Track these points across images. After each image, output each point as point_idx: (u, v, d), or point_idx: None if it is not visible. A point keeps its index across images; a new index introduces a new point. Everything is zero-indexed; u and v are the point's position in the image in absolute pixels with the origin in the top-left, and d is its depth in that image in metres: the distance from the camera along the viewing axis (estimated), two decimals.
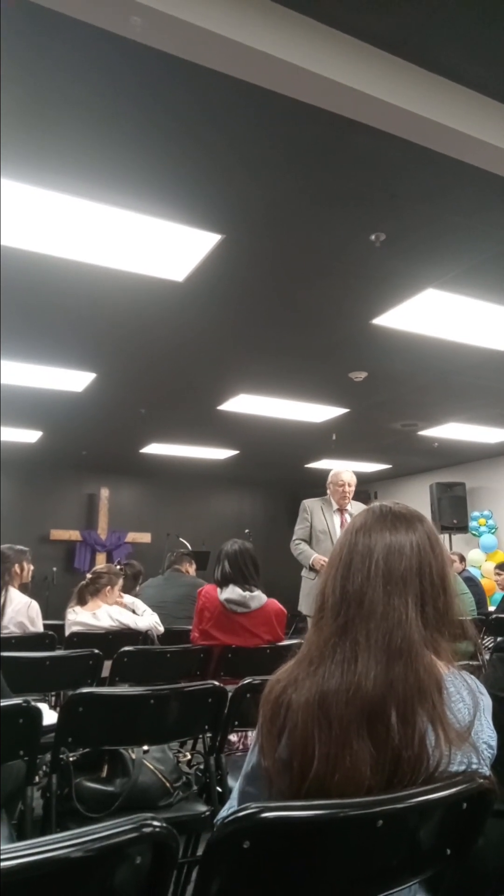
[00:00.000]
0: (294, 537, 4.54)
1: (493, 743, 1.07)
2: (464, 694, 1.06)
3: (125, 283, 3.70)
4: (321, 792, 0.94)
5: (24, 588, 4.00)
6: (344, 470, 4.63)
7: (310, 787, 0.96)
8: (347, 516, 4.51)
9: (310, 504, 4.55)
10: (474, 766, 1.02)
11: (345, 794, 0.93)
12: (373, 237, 3.25)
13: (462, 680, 1.08)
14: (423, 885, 1.24)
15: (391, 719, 0.98)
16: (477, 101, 2.35)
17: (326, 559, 4.31)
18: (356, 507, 4.56)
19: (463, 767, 1.01)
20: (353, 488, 4.55)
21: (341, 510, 4.52)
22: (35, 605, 3.96)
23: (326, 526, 4.41)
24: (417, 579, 1.07)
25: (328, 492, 4.62)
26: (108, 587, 3.77)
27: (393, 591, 1.05)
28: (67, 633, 3.60)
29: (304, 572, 4.47)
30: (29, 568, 4.36)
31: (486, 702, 1.09)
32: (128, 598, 3.94)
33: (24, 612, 3.82)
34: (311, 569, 4.33)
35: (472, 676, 1.11)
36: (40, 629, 3.91)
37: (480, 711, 1.06)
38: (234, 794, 1.13)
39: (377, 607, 1.04)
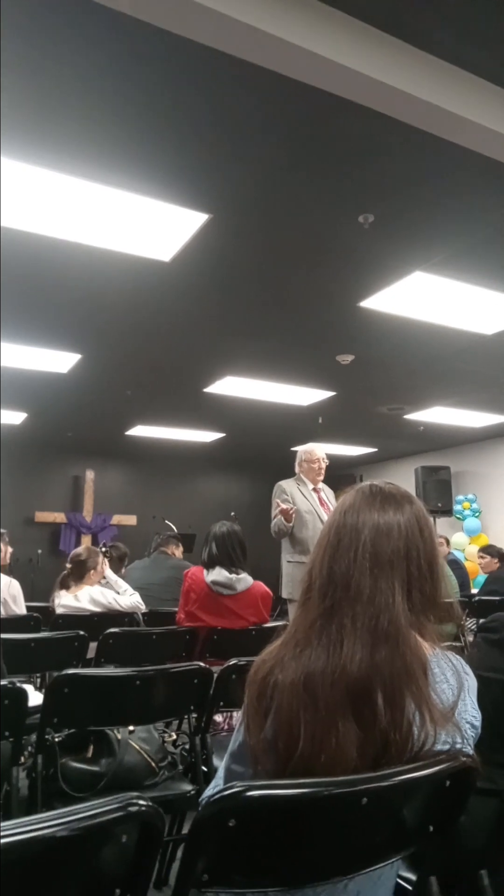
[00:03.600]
0: (274, 521, 4.35)
1: (477, 723, 1.08)
2: (448, 675, 1.07)
3: (111, 262, 3.66)
4: (307, 772, 0.95)
5: (3, 571, 4.00)
6: (316, 446, 4.61)
7: (295, 767, 0.96)
8: (323, 495, 4.49)
9: (287, 485, 4.42)
10: (458, 746, 1.03)
11: (331, 775, 0.94)
12: (361, 219, 3.23)
13: (447, 660, 1.08)
14: (405, 862, 1.26)
15: (377, 702, 0.98)
16: (469, 82, 2.32)
17: (289, 506, 4.18)
18: (326, 488, 4.55)
19: (447, 747, 1.02)
20: (325, 465, 4.53)
21: (316, 489, 4.48)
22: (16, 584, 3.96)
23: (310, 505, 4.37)
24: (405, 562, 1.06)
25: (299, 471, 4.54)
26: (92, 570, 3.76)
27: (380, 574, 1.04)
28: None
29: (285, 556, 4.39)
30: (7, 550, 4.35)
31: (471, 682, 1.10)
32: (111, 577, 3.93)
33: (5, 590, 3.82)
34: (282, 511, 4.18)
35: (458, 657, 1.12)
36: (23, 608, 3.92)
37: (465, 692, 1.07)
38: (220, 773, 1.13)
39: (364, 591, 1.03)
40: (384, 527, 1.08)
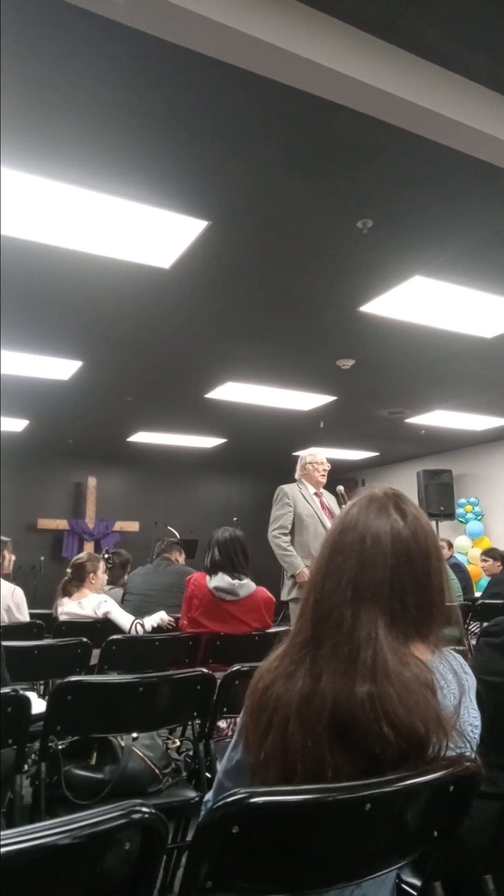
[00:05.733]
0: (276, 525, 4.32)
1: (477, 723, 1.07)
2: (449, 678, 1.06)
3: (111, 269, 3.67)
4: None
5: (6, 578, 4.00)
6: (318, 450, 4.62)
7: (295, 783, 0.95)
8: (324, 499, 4.49)
9: (290, 489, 4.41)
10: (462, 751, 1.03)
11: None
12: (360, 224, 3.24)
13: (446, 663, 1.07)
14: (410, 867, 1.26)
15: (368, 732, 0.95)
16: (464, 87, 2.34)
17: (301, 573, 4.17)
18: (327, 492, 4.55)
19: (452, 754, 1.02)
20: (327, 469, 4.54)
21: (318, 493, 4.49)
22: (19, 591, 3.95)
23: (312, 509, 4.37)
24: (392, 592, 1.02)
25: (301, 475, 4.53)
26: (92, 574, 3.76)
27: (360, 606, 1.01)
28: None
29: (287, 551, 4.34)
30: (11, 558, 4.35)
31: (471, 682, 1.09)
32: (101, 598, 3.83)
33: (8, 598, 3.81)
34: (295, 583, 4.14)
35: (458, 657, 1.10)
36: (26, 616, 3.91)
37: (465, 693, 1.07)
38: (214, 787, 1.13)
39: (343, 622, 1.01)
40: (370, 552, 1.04)
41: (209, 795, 1.29)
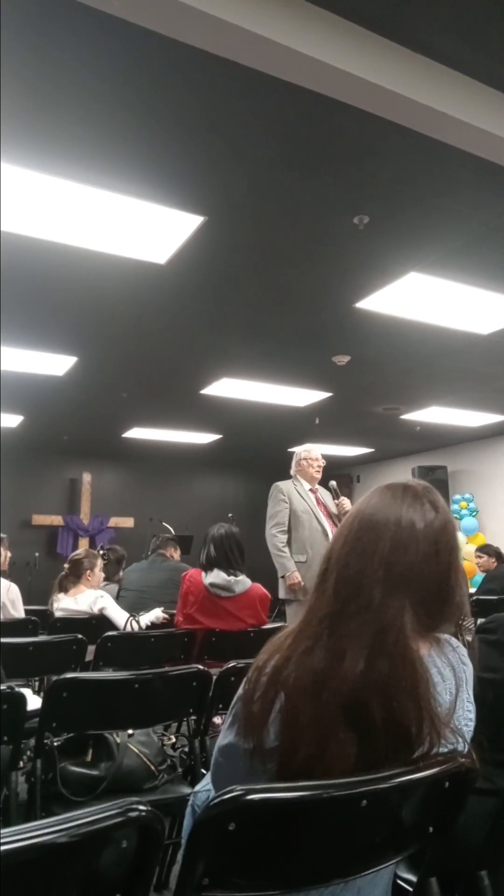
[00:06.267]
0: (273, 522, 4.34)
1: (472, 716, 1.08)
2: (445, 672, 1.05)
3: (106, 265, 3.66)
4: (306, 774, 0.94)
5: (1, 574, 3.99)
6: (313, 447, 4.63)
7: (297, 768, 0.95)
8: (320, 495, 4.50)
9: (285, 486, 4.43)
10: (458, 747, 1.03)
11: (329, 779, 0.93)
12: (356, 220, 3.24)
13: (444, 657, 1.07)
14: (405, 863, 1.26)
15: (374, 715, 0.96)
16: (461, 83, 2.33)
17: (302, 581, 4.23)
18: (322, 488, 4.56)
19: (446, 750, 1.02)
20: (322, 465, 4.55)
21: (313, 489, 4.49)
22: (14, 588, 3.95)
23: (307, 505, 4.37)
24: (418, 581, 1.02)
25: (296, 471, 4.55)
26: (89, 570, 3.76)
27: (392, 589, 1.00)
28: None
29: (284, 552, 4.35)
30: (6, 554, 4.35)
31: (468, 673, 1.09)
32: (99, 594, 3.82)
33: (3, 594, 3.81)
34: (290, 588, 4.18)
35: (458, 646, 1.10)
36: (21, 612, 3.90)
37: (462, 687, 1.07)
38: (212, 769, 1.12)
39: (373, 602, 1.00)
40: (404, 536, 1.03)
41: (199, 786, 1.29)
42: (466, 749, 1.05)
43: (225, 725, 1.09)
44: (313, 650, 1.00)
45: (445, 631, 1.10)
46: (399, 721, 0.97)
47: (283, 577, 4.24)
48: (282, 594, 4.31)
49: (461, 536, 8.82)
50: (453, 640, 1.10)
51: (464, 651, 1.11)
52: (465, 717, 1.06)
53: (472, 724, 1.07)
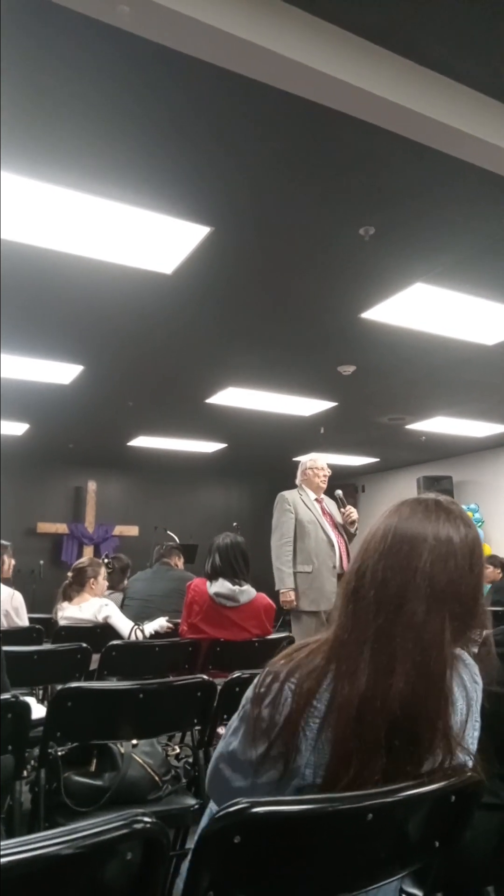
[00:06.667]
0: (280, 531, 4.32)
1: (478, 734, 1.07)
2: (457, 693, 1.04)
3: (113, 275, 3.68)
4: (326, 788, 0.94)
5: (5, 582, 3.99)
6: (319, 456, 4.62)
7: (340, 790, 0.94)
8: (325, 504, 4.48)
9: (290, 495, 4.41)
10: (467, 763, 1.03)
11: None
12: (362, 231, 3.25)
13: (457, 676, 1.05)
14: (411, 877, 1.25)
15: (407, 735, 0.96)
16: (466, 95, 2.34)
17: (293, 598, 4.22)
18: (327, 498, 4.54)
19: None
20: (328, 475, 4.54)
21: (318, 499, 4.48)
22: (18, 596, 3.95)
23: (312, 515, 4.36)
24: (455, 597, 1.01)
25: (301, 480, 4.53)
26: (92, 579, 3.75)
27: (433, 605, 0.99)
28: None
29: (286, 567, 4.32)
30: (10, 562, 4.35)
31: (478, 693, 1.09)
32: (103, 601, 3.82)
33: (7, 602, 3.81)
34: (284, 604, 4.16)
35: (470, 664, 1.09)
36: (25, 620, 3.90)
37: (472, 707, 1.06)
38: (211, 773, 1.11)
39: (418, 619, 0.98)
40: (443, 551, 1.01)
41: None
42: (471, 766, 1.04)
43: (234, 732, 1.07)
44: (356, 671, 0.97)
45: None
46: (423, 738, 0.97)
47: (278, 590, 4.22)
48: (283, 606, 4.30)
49: None
50: (466, 657, 1.08)
51: (476, 669, 1.10)
52: (472, 736, 1.06)
53: (475, 745, 1.06)
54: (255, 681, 1.05)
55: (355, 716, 0.95)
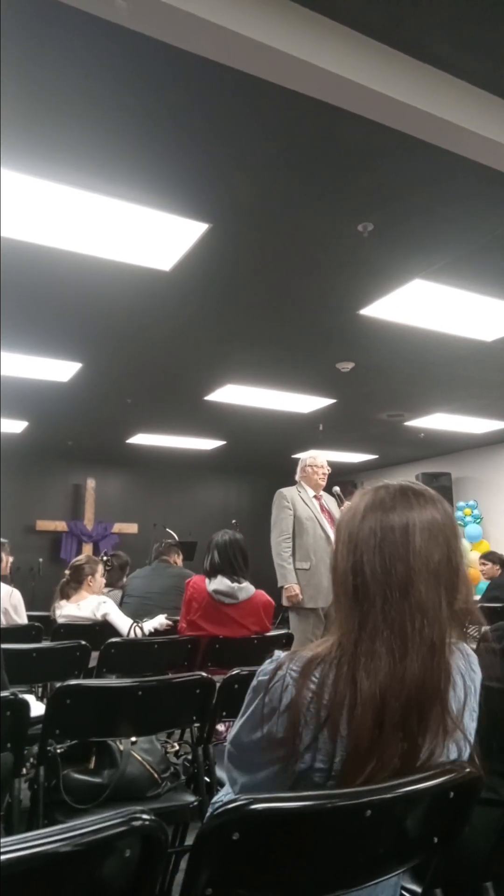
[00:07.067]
0: (278, 530, 4.33)
1: (474, 720, 1.09)
2: (457, 679, 1.06)
3: (112, 272, 3.67)
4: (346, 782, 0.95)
5: (4, 580, 3.99)
6: (319, 453, 4.62)
7: (363, 781, 0.95)
8: (324, 501, 4.49)
9: (288, 492, 4.42)
10: (464, 754, 1.04)
11: (369, 783, 0.94)
12: (360, 227, 3.24)
13: (455, 662, 1.07)
14: (410, 873, 1.26)
15: (417, 714, 0.98)
16: (466, 91, 2.34)
17: (298, 593, 4.25)
18: (326, 495, 4.55)
19: (454, 755, 1.03)
20: (327, 472, 4.54)
21: (317, 496, 4.48)
22: (17, 593, 3.95)
23: (311, 512, 4.37)
24: (448, 571, 1.05)
25: (300, 477, 4.54)
26: (90, 576, 3.75)
27: (432, 582, 1.03)
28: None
29: (287, 564, 4.34)
30: (8, 559, 4.35)
31: (476, 681, 1.10)
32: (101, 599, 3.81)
33: (6, 600, 3.81)
34: (288, 599, 4.20)
35: (469, 653, 1.11)
36: (24, 618, 3.90)
37: (469, 695, 1.07)
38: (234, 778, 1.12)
39: (421, 599, 1.01)
40: (432, 528, 1.05)
41: (218, 796, 1.28)
42: (468, 754, 1.06)
43: (244, 729, 1.08)
44: (375, 664, 0.99)
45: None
46: (431, 713, 0.99)
47: (281, 586, 4.23)
48: (286, 601, 4.31)
49: (465, 543, 8.80)
50: (465, 647, 1.11)
51: (475, 659, 1.12)
52: (470, 723, 1.07)
53: (473, 735, 1.07)
54: (259, 670, 1.07)
55: (379, 706, 0.97)
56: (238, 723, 1.08)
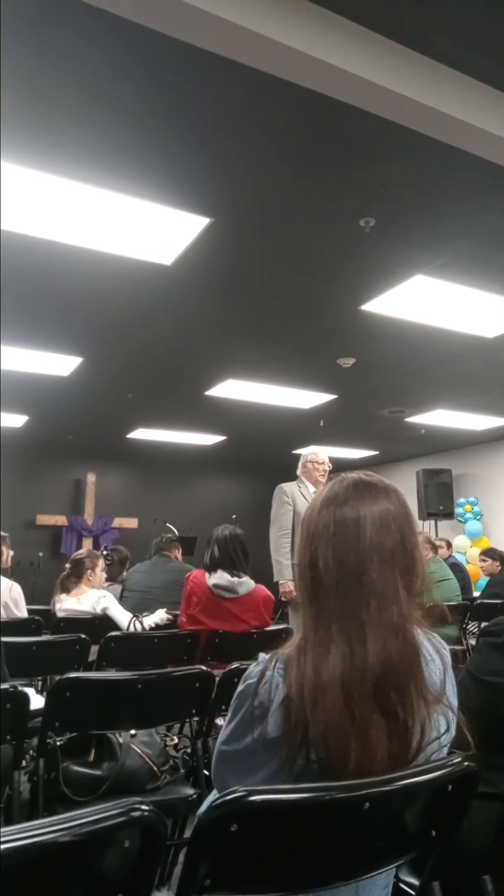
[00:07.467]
0: (279, 523, 4.34)
1: (455, 696, 1.10)
2: (434, 655, 1.09)
3: (112, 266, 3.66)
4: (339, 773, 0.95)
5: (4, 574, 4.00)
6: (321, 449, 4.62)
7: (347, 777, 0.95)
8: None
9: (289, 488, 4.44)
10: (450, 726, 1.06)
11: (363, 768, 0.95)
12: (362, 223, 3.24)
13: (429, 640, 1.11)
14: (408, 866, 1.26)
15: (393, 693, 0.99)
16: (469, 86, 2.33)
17: (293, 589, 4.24)
18: None
19: (444, 728, 1.05)
20: (329, 469, 4.55)
21: (317, 492, 4.48)
22: (17, 587, 3.95)
23: None
24: (402, 554, 1.08)
25: (301, 472, 4.55)
26: (90, 570, 3.76)
27: (385, 566, 1.05)
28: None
29: (284, 559, 4.36)
30: (9, 554, 4.36)
31: (448, 657, 1.12)
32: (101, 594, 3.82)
33: (6, 594, 3.81)
34: (283, 595, 4.21)
35: (434, 634, 1.14)
36: (24, 612, 3.91)
37: (447, 669, 1.09)
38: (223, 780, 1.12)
39: (376, 584, 1.04)
40: (384, 518, 1.09)
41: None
42: (454, 730, 1.08)
43: (228, 728, 1.08)
44: (329, 652, 1.01)
45: (444, 636, 1.12)
46: (408, 692, 1.00)
47: (277, 581, 4.24)
48: (282, 596, 4.31)
49: (465, 540, 8.80)
50: (427, 630, 1.13)
51: (439, 638, 1.14)
52: (453, 699, 1.09)
53: (456, 706, 1.10)
54: (244, 675, 1.08)
55: (342, 693, 0.98)
56: (227, 730, 1.09)
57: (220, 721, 2.55)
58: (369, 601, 1.03)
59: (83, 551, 3.97)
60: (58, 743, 1.97)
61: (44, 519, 9.62)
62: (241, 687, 1.08)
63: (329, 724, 0.97)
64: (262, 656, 1.09)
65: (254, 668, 1.07)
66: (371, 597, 1.04)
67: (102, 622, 3.53)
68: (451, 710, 1.07)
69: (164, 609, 3.70)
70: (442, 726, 1.05)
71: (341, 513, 1.09)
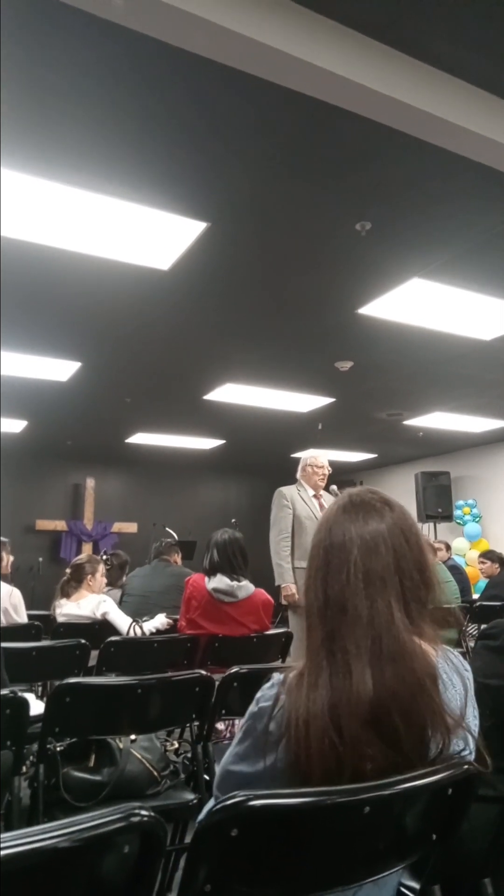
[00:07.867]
0: (277, 528, 4.34)
1: (477, 721, 1.08)
2: (454, 678, 1.06)
3: (110, 271, 3.67)
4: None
5: (4, 579, 4.00)
6: (320, 453, 4.62)
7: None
8: (323, 500, 4.49)
9: (288, 491, 4.43)
10: (467, 752, 1.04)
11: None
12: (358, 226, 3.24)
13: (450, 662, 1.08)
14: (409, 870, 1.26)
15: (396, 721, 0.96)
16: (464, 90, 2.34)
17: (295, 592, 4.23)
18: (326, 494, 4.55)
19: (459, 748, 1.03)
20: (328, 472, 4.54)
21: (317, 495, 4.49)
22: (17, 593, 3.95)
23: (310, 511, 4.37)
24: (397, 576, 1.04)
25: (301, 476, 4.55)
26: (90, 575, 3.76)
27: (374, 593, 1.02)
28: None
29: (285, 563, 4.36)
30: (8, 559, 4.36)
31: (471, 680, 1.10)
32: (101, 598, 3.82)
33: (6, 599, 3.81)
34: (285, 598, 4.21)
35: (456, 654, 1.11)
36: (24, 617, 3.91)
37: (468, 692, 1.07)
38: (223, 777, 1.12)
39: (362, 612, 1.01)
40: (371, 541, 1.05)
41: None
42: (474, 751, 1.05)
43: (239, 750, 1.07)
44: (318, 682, 0.99)
45: (445, 636, 1.11)
46: (416, 721, 0.98)
47: (279, 585, 4.24)
48: (283, 600, 4.31)
49: (464, 542, 8.80)
50: (450, 650, 1.11)
51: (464, 661, 1.12)
52: (473, 722, 1.07)
53: (476, 726, 1.08)
54: (258, 695, 1.06)
55: (329, 722, 0.96)
56: (236, 749, 1.07)
57: (220, 725, 2.55)
58: (354, 630, 1.00)
59: (83, 556, 3.97)
60: (58, 748, 1.97)
61: (43, 524, 9.61)
62: (254, 708, 1.06)
63: (314, 754, 0.96)
64: (277, 677, 1.06)
65: (268, 691, 1.05)
66: (356, 626, 1.00)
67: (102, 627, 3.52)
68: (470, 735, 1.04)
69: (164, 614, 3.69)
70: (459, 748, 1.03)
71: (330, 538, 1.08)
